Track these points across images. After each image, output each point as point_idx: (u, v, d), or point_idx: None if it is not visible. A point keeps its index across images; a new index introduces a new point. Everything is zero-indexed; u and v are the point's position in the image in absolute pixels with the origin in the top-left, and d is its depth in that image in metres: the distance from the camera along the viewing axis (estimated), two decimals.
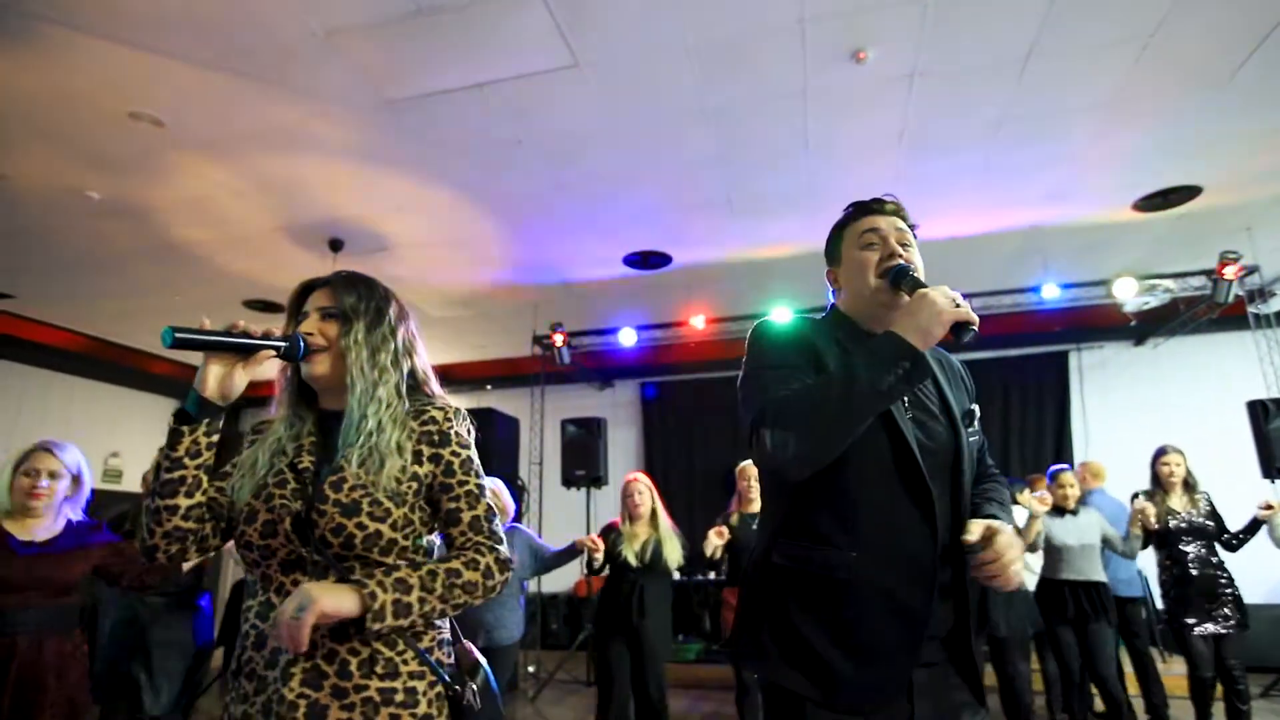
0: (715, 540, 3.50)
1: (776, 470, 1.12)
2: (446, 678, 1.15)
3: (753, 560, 1.26)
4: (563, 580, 4.46)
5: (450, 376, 7.96)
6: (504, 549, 1.18)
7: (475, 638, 2.95)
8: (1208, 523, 3.54)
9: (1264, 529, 3.50)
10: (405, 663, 1.12)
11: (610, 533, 3.60)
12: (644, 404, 7.76)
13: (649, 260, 5.31)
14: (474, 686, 1.17)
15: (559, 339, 6.05)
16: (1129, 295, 5.25)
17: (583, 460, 5.83)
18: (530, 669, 5.72)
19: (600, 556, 3.43)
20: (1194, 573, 3.45)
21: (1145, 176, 4.23)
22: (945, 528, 1.16)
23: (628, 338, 6.18)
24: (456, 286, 5.75)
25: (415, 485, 1.17)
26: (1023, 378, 6.76)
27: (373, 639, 1.09)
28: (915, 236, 1.31)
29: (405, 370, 1.24)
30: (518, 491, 6.28)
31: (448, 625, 1.23)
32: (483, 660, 1.23)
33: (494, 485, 3.19)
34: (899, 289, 1.19)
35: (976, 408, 1.32)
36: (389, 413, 1.17)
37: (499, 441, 5.96)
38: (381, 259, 5.13)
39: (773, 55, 3.13)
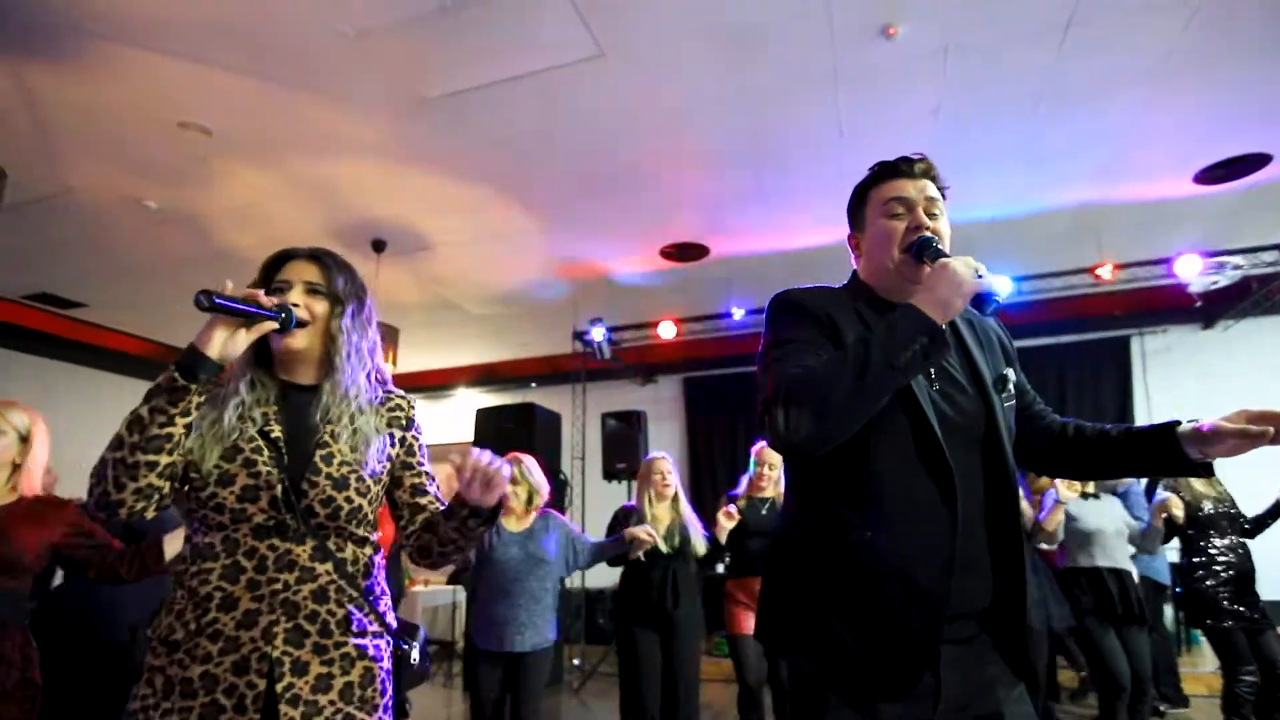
0: (725, 523, 3.26)
1: (789, 450, 1.08)
2: (393, 637, 1.27)
3: (777, 542, 1.23)
4: (609, 575, 4.44)
5: (495, 375, 8.12)
6: None
7: (504, 639, 2.77)
8: (1237, 510, 3.35)
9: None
10: (371, 622, 1.22)
11: (631, 516, 3.37)
12: (687, 398, 7.73)
13: (686, 252, 5.29)
14: (416, 646, 1.30)
15: (598, 334, 6.08)
16: (1194, 274, 4.98)
17: (623, 453, 5.86)
18: (575, 661, 5.77)
19: (650, 546, 3.12)
20: (1225, 560, 3.25)
21: (1206, 147, 4.00)
22: (980, 501, 1.12)
23: (667, 330, 6.17)
24: (496, 284, 5.84)
25: (388, 465, 1.28)
26: (1080, 365, 6.47)
27: (348, 601, 1.18)
28: (945, 198, 1.24)
29: (375, 361, 1.32)
30: (560, 485, 6.34)
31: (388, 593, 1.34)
32: (421, 626, 1.37)
33: (528, 462, 3.14)
34: (923, 262, 1.14)
35: (1011, 372, 1.25)
36: (366, 397, 1.26)
37: (540, 436, 6.01)
38: (423, 258, 5.25)
39: (799, 36, 3.07)
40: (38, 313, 6.07)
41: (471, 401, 7.73)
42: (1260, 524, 3.37)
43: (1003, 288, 1.07)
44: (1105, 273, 5.12)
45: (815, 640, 1.10)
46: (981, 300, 1.04)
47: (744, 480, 3.63)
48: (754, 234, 4.98)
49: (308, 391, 1.25)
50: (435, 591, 6.74)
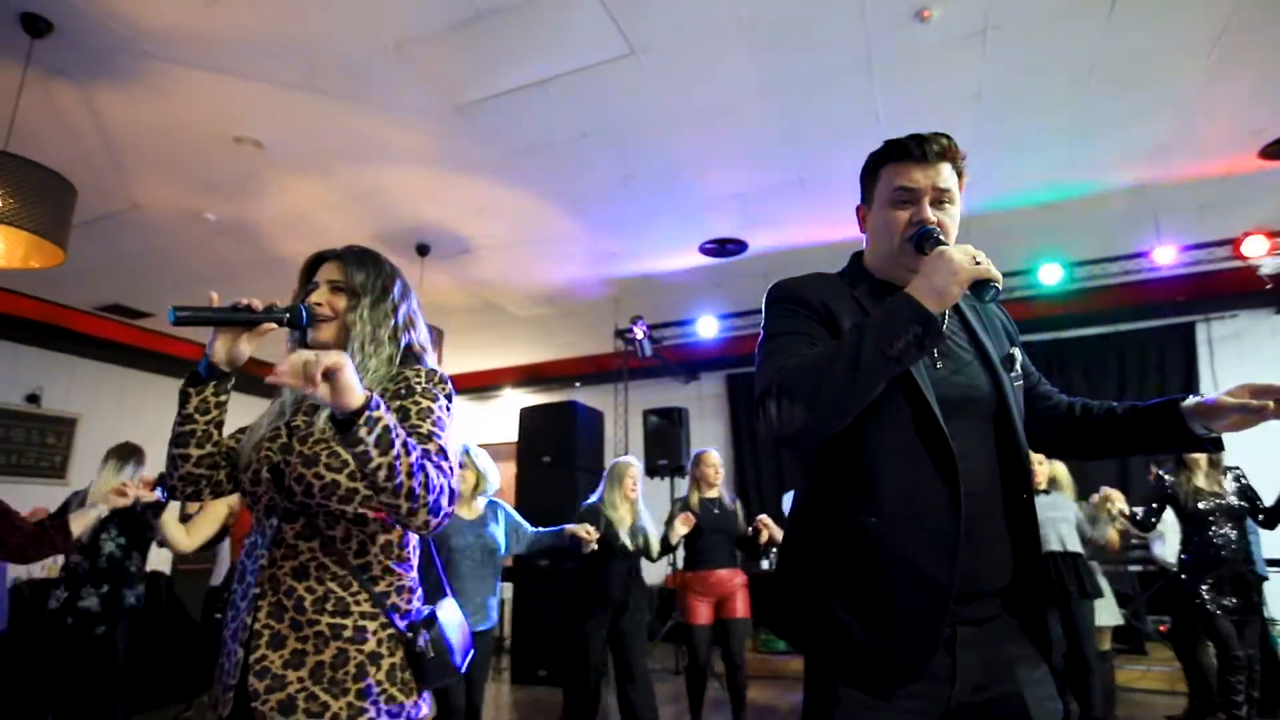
0: (681, 529, 3.58)
1: (783, 442, 1.08)
2: (401, 624, 1.23)
3: (788, 530, 1.24)
4: (652, 573, 4.53)
5: (539, 375, 8.23)
6: (456, 486, 1.22)
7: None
8: (1240, 502, 3.36)
9: None
10: (358, 603, 1.21)
11: (594, 515, 3.55)
12: (730, 395, 7.70)
13: (725, 248, 5.27)
14: (427, 635, 1.24)
15: (639, 332, 6.11)
16: (1263, 255, 4.72)
17: (665, 450, 5.88)
18: None
19: (594, 547, 3.34)
20: (1224, 555, 3.32)
21: (1273, 118, 3.79)
22: (994, 478, 1.12)
23: (708, 327, 6.16)
24: (539, 285, 5.93)
25: None
26: (1142, 354, 6.19)
27: (330, 579, 1.20)
28: (963, 175, 1.21)
29: (402, 344, 1.36)
30: None
31: (412, 575, 1.31)
32: (440, 613, 1.29)
33: (475, 449, 3.24)
34: (923, 252, 1.14)
35: (1017, 351, 1.26)
36: (372, 377, 1.29)
37: (582, 434, 6.09)
38: (466, 261, 5.37)
39: (831, 23, 3.04)
40: (110, 323, 6.43)
41: (517, 401, 7.86)
42: (1273, 514, 3.39)
43: (999, 276, 1.04)
44: (1165, 256, 4.90)
45: (821, 628, 1.09)
46: (980, 288, 1.03)
47: (689, 484, 3.96)
48: (793, 227, 4.94)
49: None
50: None
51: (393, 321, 1.35)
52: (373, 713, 1.16)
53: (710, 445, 7.46)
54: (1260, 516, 3.44)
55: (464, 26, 3.01)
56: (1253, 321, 5.96)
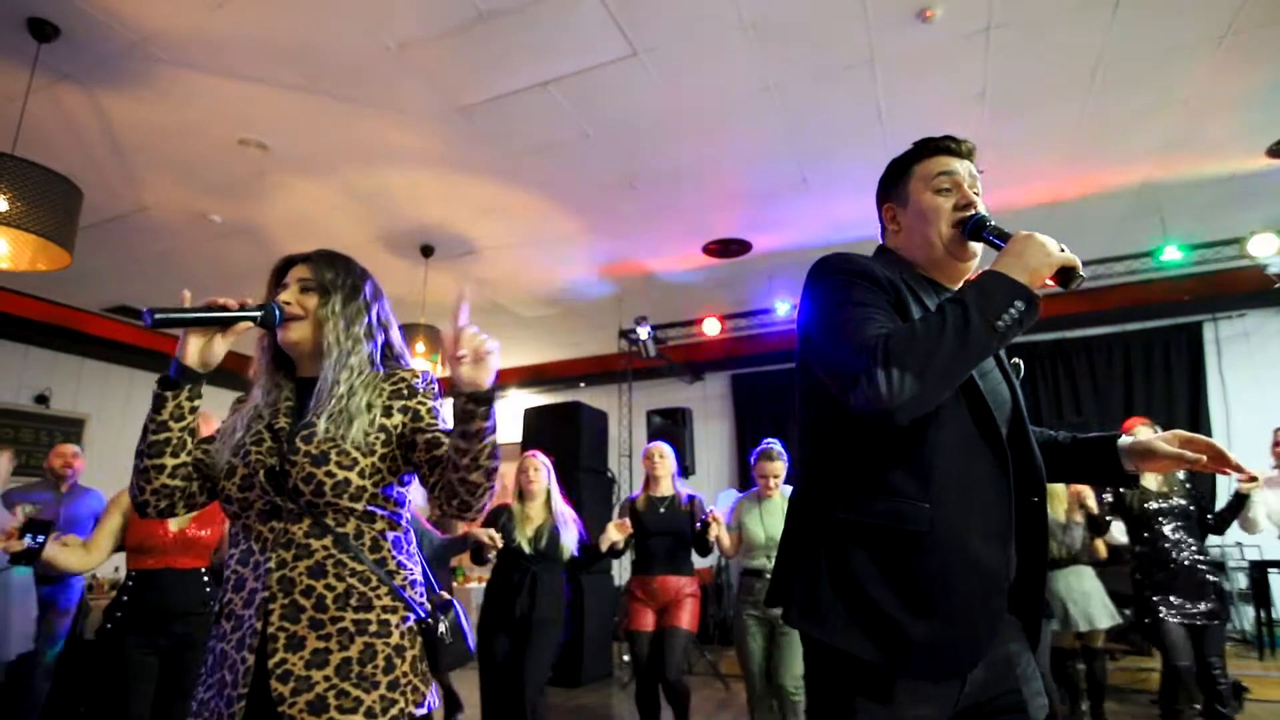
0: (614, 535, 3.26)
1: (887, 414, 1.00)
2: (421, 612, 1.26)
3: (805, 518, 1.17)
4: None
5: (544, 375, 8.24)
6: None
7: None
8: (1188, 505, 3.29)
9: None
10: (379, 597, 1.21)
11: (501, 515, 3.31)
12: (734, 395, 7.70)
13: (729, 248, 5.27)
14: (445, 622, 1.26)
15: (643, 332, 6.12)
16: (1269, 253, 4.69)
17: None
18: (625, 658, 5.81)
19: (494, 548, 3.09)
20: (1173, 558, 3.22)
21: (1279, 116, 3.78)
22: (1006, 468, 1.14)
23: (712, 327, 6.16)
24: (543, 285, 5.94)
25: (384, 436, 1.26)
26: (1148, 354, 6.16)
27: (349, 575, 1.21)
28: (978, 181, 1.25)
29: (379, 342, 1.35)
30: (608, 483, 6.40)
31: (419, 569, 1.33)
32: (456, 601, 1.35)
33: None
34: (977, 239, 1.16)
35: (1020, 362, 1.30)
36: (360, 379, 1.28)
37: (586, 435, 6.09)
38: (470, 262, 5.39)
39: (833, 23, 3.04)
40: (117, 324, 6.48)
41: (522, 402, 7.87)
42: (1222, 519, 3.34)
43: (1081, 264, 1.08)
44: (1171, 255, 4.87)
45: (859, 617, 1.05)
46: (1066, 274, 1.04)
47: (642, 483, 3.71)
48: (796, 227, 4.93)
49: (314, 383, 1.31)
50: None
51: (366, 319, 1.33)
52: (402, 704, 1.17)
53: (715, 445, 7.48)
54: (1209, 519, 3.37)
55: (467, 28, 3.02)
56: (1260, 321, 5.92)
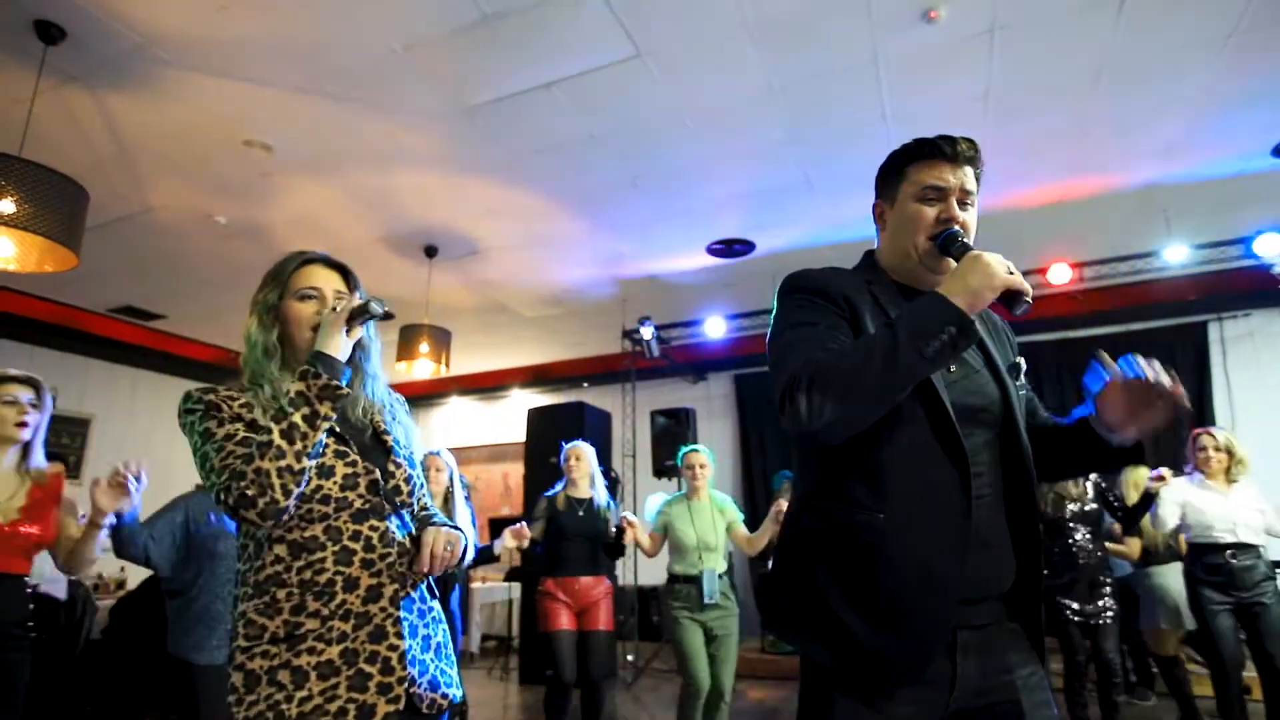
0: (510, 542, 3.25)
1: (810, 436, 1.06)
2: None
3: (785, 525, 1.22)
4: (662, 573, 4.48)
5: (547, 375, 8.25)
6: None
7: None
8: (1098, 509, 3.52)
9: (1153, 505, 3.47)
10: (431, 587, 1.38)
11: None
12: (738, 396, 7.69)
13: (733, 248, 5.27)
14: None
15: (647, 332, 6.12)
16: (1274, 253, 4.68)
17: (672, 451, 5.86)
18: (629, 657, 5.82)
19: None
20: (1081, 561, 3.45)
21: None
22: (998, 485, 1.12)
23: (715, 328, 6.16)
24: (546, 286, 5.94)
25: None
26: (1152, 354, 6.05)
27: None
28: (981, 180, 1.21)
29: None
30: (612, 483, 6.40)
31: None
32: None
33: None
34: (947, 254, 1.14)
35: (1022, 360, 1.26)
36: (391, 396, 1.46)
37: (590, 435, 6.09)
38: (474, 262, 5.39)
39: (837, 24, 3.03)
40: (123, 325, 6.50)
41: (525, 402, 7.88)
42: (1130, 515, 3.58)
43: (1030, 290, 1.03)
44: (1176, 255, 4.86)
45: (818, 624, 1.07)
46: (1011, 299, 1.00)
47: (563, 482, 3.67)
48: (800, 227, 4.93)
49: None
50: (492, 588, 6.90)
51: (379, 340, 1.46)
52: (457, 676, 1.37)
53: (718, 445, 7.48)
54: (1119, 514, 3.61)
55: (471, 29, 3.02)
56: (1266, 320, 5.90)
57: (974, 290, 0.99)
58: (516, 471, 7.23)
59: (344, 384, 1.23)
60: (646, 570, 5.56)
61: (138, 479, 2.13)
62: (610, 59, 3.22)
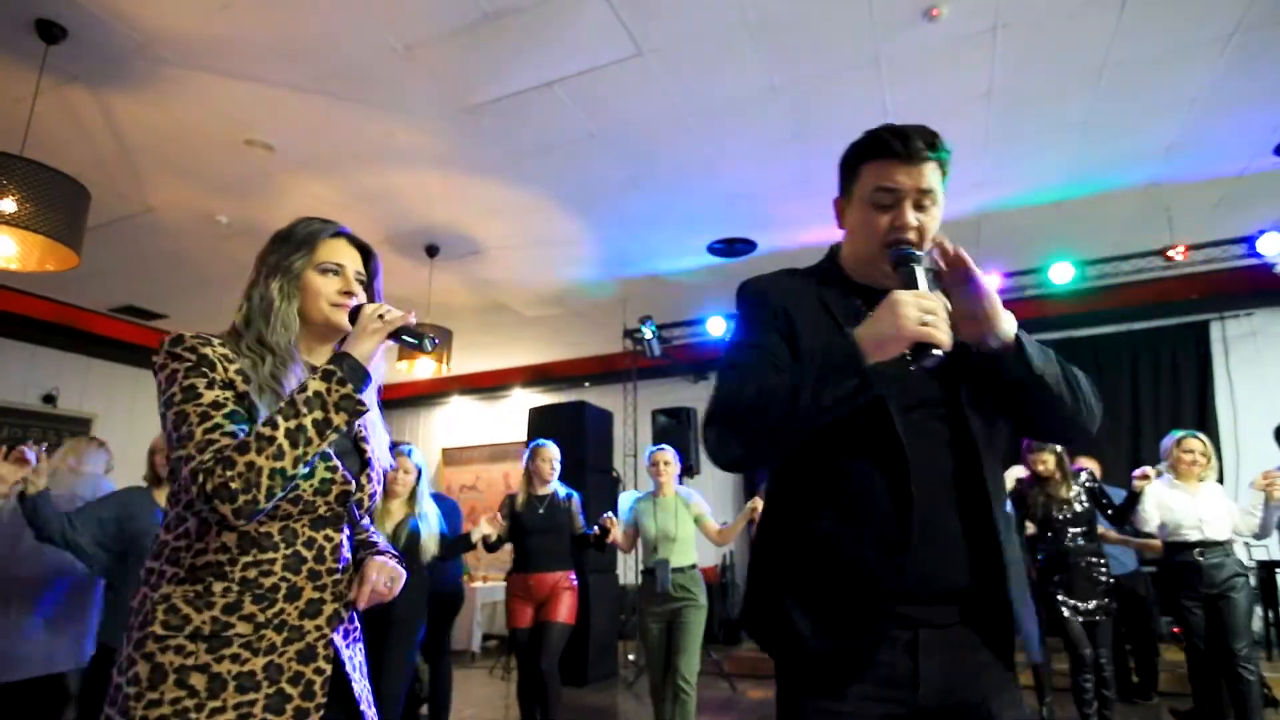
0: (485, 528, 3.39)
1: (720, 466, 1.12)
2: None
3: (755, 535, 1.26)
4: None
5: (549, 375, 8.24)
6: None
7: None
8: (1089, 509, 3.61)
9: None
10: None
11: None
12: None
13: (734, 247, 5.27)
14: None
15: (648, 331, 6.12)
16: (1277, 252, 4.67)
17: (674, 450, 5.87)
18: (630, 657, 5.82)
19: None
20: (1076, 560, 3.52)
21: None
22: (947, 479, 1.07)
23: (716, 327, 6.15)
24: (547, 285, 5.94)
25: None
26: (1155, 353, 6.13)
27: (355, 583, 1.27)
28: (947, 171, 1.12)
29: None
30: (614, 483, 6.40)
31: None
32: None
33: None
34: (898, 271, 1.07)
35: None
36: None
37: (591, 434, 6.10)
38: (475, 262, 5.39)
39: (839, 23, 3.03)
40: (124, 324, 6.50)
41: (526, 401, 7.88)
42: (1120, 512, 3.66)
43: (946, 340, 0.95)
44: (1178, 254, 4.85)
45: (779, 630, 1.09)
46: (919, 350, 0.94)
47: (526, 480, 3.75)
48: (801, 226, 4.92)
49: None
50: (493, 588, 6.89)
51: None
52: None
53: None
54: (1110, 512, 3.69)
55: (472, 29, 3.02)
56: (1268, 319, 5.89)
57: (880, 338, 0.96)
58: (518, 471, 7.21)
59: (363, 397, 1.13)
60: None
61: (36, 458, 2.40)
62: (612, 58, 3.21)
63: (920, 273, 1.04)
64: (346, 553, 1.21)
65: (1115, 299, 5.71)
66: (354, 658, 1.21)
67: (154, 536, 2.42)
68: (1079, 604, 3.50)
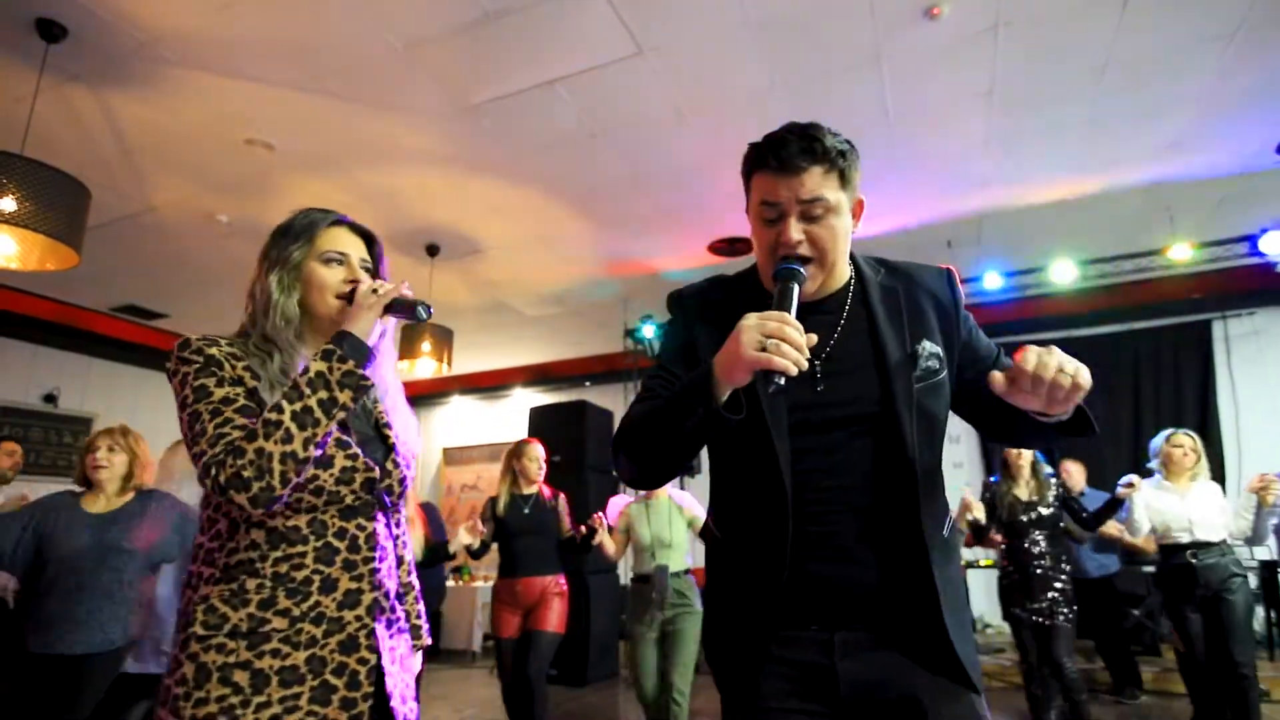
0: (464, 538, 3.21)
1: (624, 483, 1.19)
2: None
3: None
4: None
5: (549, 374, 8.24)
6: None
7: (62, 642, 2.41)
8: (1058, 511, 3.50)
9: (1121, 510, 3.48)
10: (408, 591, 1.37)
11: None
12: None
13: (735, 247, 5.27)
14: None
15: (649, 331, 6.12)
16: (1278, 251, 4.66)
17: None
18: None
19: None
20: (1037, 565, 3.42)
21: None
22: (869, 493, 1.04)
23: None
24: (548, 284, 5.94)
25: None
26: (1157, 353, 6.11)
27: (401, 572, 1.33)
28: (849, 171, 1.06)
29: None
30: (614, 483, 6.40)
31: None
32: None
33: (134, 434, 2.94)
34: None
35: (927, 344, 1.09)
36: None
37: (592, 433, 6.10)
38: (476, 261, 5.39)
39: (840, 22, 3.02)
40: (125, 324, 6.50)
41: (527, 401, 7.88)
42: (1096, 518, 3.59)
43: (789, 367, 0.89)
44: (1180, 253, 4.84)
45: (710, 637, 1.18)
46: (765, 376, 0.90)
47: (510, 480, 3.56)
48: None
49: None
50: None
51: None
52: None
53: None
54: (1084, 515, 3.60)
55: (473, 28, 3.01)
56: (1270, 319, 5.87)
57: (729, 365, 0.93)
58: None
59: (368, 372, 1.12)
60: None
61: None
62: (612, 57, 3.21)
63: (795, 290, 0.99)
64: (384, 541, 1.20)
65: (1117, 298, 5.71)
66: (396, 649, 1.20)
67: (73, 547, 2.27)
68: (1029, 604, 3.42)
